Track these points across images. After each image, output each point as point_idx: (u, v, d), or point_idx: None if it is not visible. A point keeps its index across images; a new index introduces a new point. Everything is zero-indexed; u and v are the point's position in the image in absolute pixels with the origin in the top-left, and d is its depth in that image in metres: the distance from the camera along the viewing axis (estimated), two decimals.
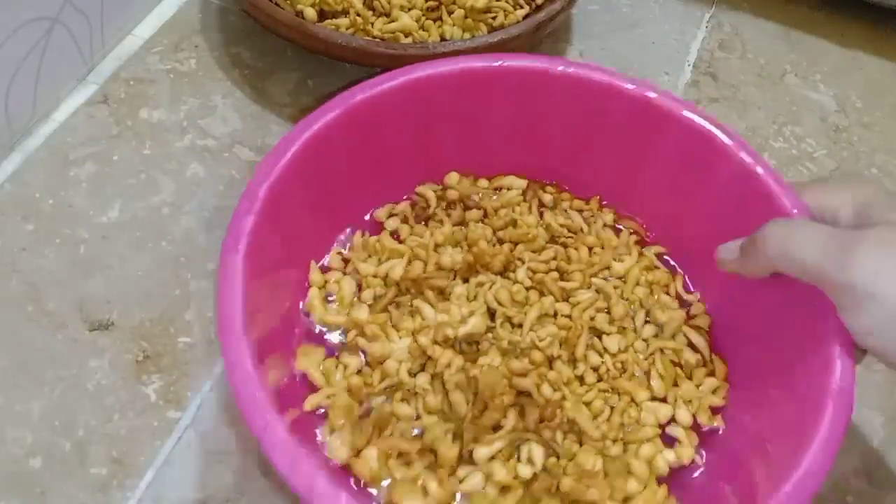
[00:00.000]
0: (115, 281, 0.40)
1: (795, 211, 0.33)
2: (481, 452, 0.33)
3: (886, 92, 0.54)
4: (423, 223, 0.41)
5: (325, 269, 0.38)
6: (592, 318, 0.37)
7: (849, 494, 0.37)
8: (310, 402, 0.34)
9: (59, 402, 0.36)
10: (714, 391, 0.36)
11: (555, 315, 0.37)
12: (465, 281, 0.38)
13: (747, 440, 0.33)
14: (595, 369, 0.36)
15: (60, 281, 0.40)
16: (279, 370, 0.33)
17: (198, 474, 0.35)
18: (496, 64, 0.38)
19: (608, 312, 0.38)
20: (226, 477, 0.35)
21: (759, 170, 0.35)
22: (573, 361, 0.36)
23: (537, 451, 0.33)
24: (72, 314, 0.39)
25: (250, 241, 0.32)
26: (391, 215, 0.41)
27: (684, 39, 0.55)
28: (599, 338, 0.37)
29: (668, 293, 0.39)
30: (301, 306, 0.37)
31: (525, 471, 0.32)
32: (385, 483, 0.32)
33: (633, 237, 0.41)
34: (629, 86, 0.38)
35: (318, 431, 0.33)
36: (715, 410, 0.36)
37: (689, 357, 0.37)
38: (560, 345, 0.36)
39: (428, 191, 0.41)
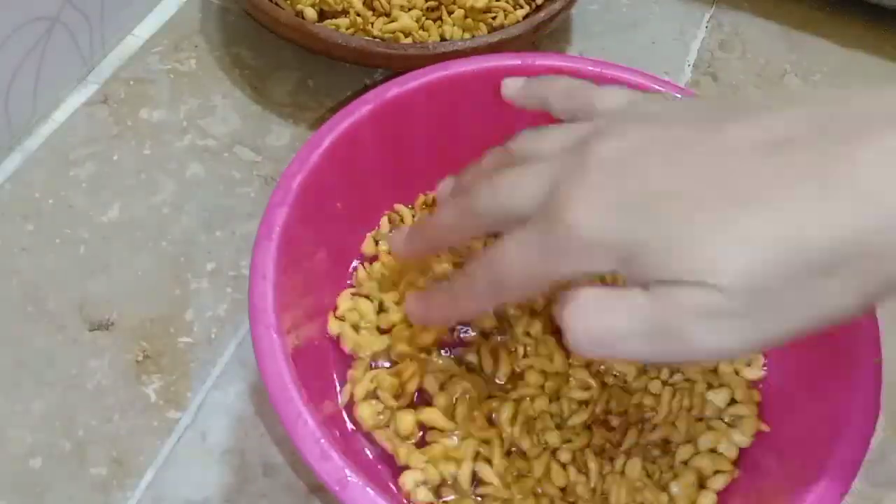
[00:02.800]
0: (115, 281, 0.40)
1: None
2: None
3: None
4: None
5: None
6: None
7: (848, 494, 0.36)
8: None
9: (59, 402, 0.36)
10: (749, 364, 0.36)
11: None
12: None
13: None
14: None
15: (60, 281, 0.40)
16: (312, 358, 0.33)
17: (198, 474, 0.35)
18: (522, 63, 0.38)
19: None
20: (226, 477, 0.35)
21: None
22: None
23: (593, 462, 0.33)
24: (72, 314, 0.39)
25: (283, 230, 0.31)
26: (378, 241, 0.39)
27: (684, 39, 0.55)
28: None
29: None
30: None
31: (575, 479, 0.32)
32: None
33: None
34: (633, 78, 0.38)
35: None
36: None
37: None
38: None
39: (402, 208, 0.40)
